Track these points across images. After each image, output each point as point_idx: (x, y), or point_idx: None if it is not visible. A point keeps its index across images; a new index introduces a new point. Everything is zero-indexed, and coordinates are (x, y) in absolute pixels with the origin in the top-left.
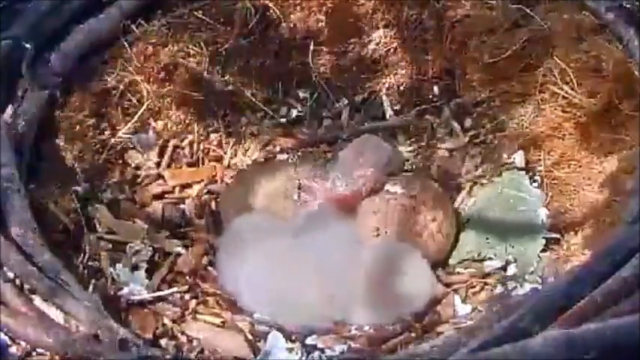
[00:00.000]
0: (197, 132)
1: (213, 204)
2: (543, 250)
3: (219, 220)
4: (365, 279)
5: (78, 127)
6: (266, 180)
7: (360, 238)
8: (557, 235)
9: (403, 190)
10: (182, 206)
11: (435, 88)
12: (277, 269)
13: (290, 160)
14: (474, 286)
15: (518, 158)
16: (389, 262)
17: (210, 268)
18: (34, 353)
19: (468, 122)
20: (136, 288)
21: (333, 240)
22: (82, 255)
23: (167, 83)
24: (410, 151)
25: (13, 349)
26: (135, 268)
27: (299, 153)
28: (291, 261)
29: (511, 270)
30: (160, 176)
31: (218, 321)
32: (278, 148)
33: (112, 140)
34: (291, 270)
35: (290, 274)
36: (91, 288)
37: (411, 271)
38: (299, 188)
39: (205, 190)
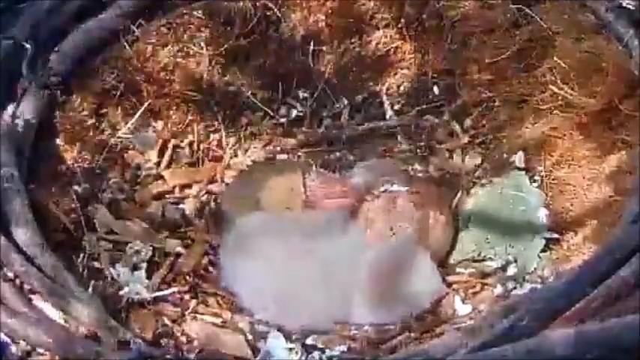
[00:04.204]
0: (197, 132)
1: (213, 204)
2: (543, 250)
3: (220, 220)
4: (371, 278)
5: (78, 127)
6: (271, 178)
7: (366, 238)
8: (557, 235)
9: (407, 188)
10: (182, 206)
11: (435, 88)
12: (280, 269)
13: (293, 160)
14: (474, 286)
15: (518, 158)
16: (396, 262)
17: (210, 268)
18: (34, 353)
19: (467, 122)
20: (136, 288)
21: (337, 240)
22: (82, 255)
23: (167, 83)
24: (410, 151)
25: (13, 349)
26: (135, 268)
27: (299, 153)
28: (294, 261)
29: (511, 270)
30: (160, 176)
31: (218, 321)
32: (278, 148)
33: (112, 140)
34: (294, 270)
35: (292, 274)
36: (91, 288)
37: (417, 270)
38: (304, 186)
39: (205, 190)
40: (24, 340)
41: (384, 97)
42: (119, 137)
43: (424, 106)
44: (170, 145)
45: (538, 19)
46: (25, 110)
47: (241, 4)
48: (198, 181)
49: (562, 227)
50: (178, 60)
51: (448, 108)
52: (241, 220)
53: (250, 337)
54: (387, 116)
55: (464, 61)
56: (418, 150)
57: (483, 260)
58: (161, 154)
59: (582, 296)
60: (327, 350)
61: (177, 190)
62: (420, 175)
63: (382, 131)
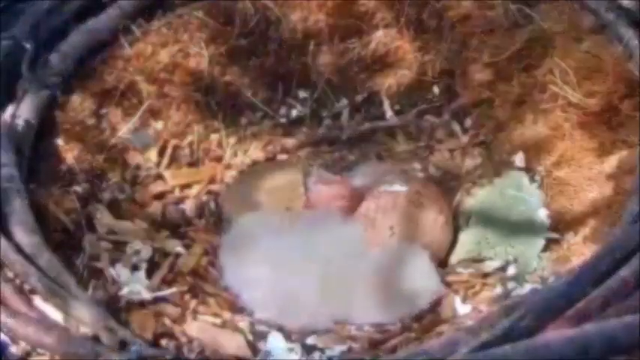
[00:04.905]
0: (197, 132)
1: (213, 204)
2: (543, 250)
3: (220, 220)
4: (370, 278)
5: (78, 127)
6: (271, 179)
7: (366, 238)
8: (557, 235)
9: (407, 188)
10: (182, 206)
11: (435, 88)
12: (280, 269)
13: (293, 160)
14: (474, 286)
15: (518, 158)
16: (394, 262)
17: (210, 268)
18: (34, 353)
19: (467, 122)
20: (136, 288)
21: (337, 240)
22: (82, 255)
23: (167, 83)
24: (410, 151)
25: (13, 349)
26: (135, 268)
27: (299, 153)
28: (294, 261)
29: (511, 270)
30: (159, 176)
31: (218, 321)
32: (278, 148)
33: (112, 140)
34: (294, 270)
35: (292, 274)
36: (91, 288)
37: (415, 271)
38: (305, 186)
39: (205, 190)
40: (24, 340)
41: (384, 97)
42: (119, 137)
43: (424, 106)
44: (170, 145)
45: (538, 19)
46: (25, 110)
47: (241, 4)
48: (199, 181)
49: (562, 227)
50: (178, 60)
51: (448, 108)
52: (241, 220)
53: (250, 337)
54: (387, 116)
55: (464, 61)
56: (418, 150)
57: (483, 260)
58: (161, 154)
59: (582, 296)
60: (327, 350)
61: (177, 190)
62: (420, 175)
63: (382, 131)
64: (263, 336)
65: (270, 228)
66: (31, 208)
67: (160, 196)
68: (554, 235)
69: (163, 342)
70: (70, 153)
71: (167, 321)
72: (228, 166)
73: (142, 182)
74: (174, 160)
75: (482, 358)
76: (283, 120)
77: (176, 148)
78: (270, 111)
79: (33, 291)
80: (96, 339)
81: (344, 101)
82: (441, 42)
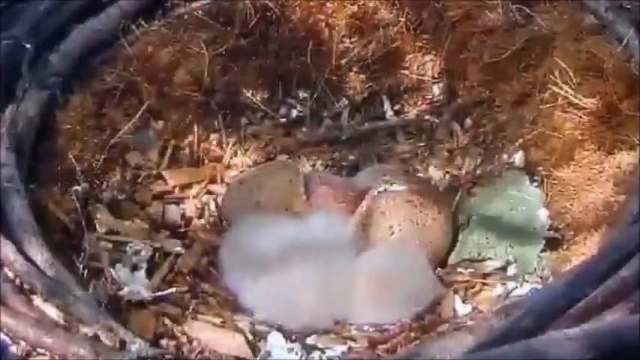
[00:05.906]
0: (197, 132)
1: (213, 204)
2: (543, 250)
3: (219, 220)
4: (368, 279)
5: (78, 127)
6: (271, 179)
7: (365, 238)
8: (557, 235)
9: (406, 187)
10: (182, 206)
11: (435, 88)
12: (280, 269)
13: (293, 160)
14: (474, 286)
15: (518, 158)
16: (394, 262)
17: (210, 268)
18: (34, 353)
19: (468, 122)
20: (136, 288)
21: (337, 240)
22: (82, 255)
23: (167, 83)
24: (410, 151)
25: (13, 349)
26: (135, 268)
27: (299, 153)
28: (294, 261)
29: (511, 270)
30: (159, 176)
31: (218, 321)
32: (278, 148)
33: (112, 140)
34: (294, 270)
35: (292, 275)
36: (91, 288)
37: (415, 271)
38: (304, 186)
39: (205, 190)
40: (24, 340)
41: (384, 97)
42: (119, 137)
43: (424, 106)
44: (170, 145)
45: (538, 19)
46: (25, 110)
47: (241, 4)
48: (199, 181)
49: (562, 227)
50: (178, 60)
51: (448, 108)
52: (241, 220)
53: (250, 337)
54: (387, 116)
55: (464, 61)
56: (418, 150)
57: (483, 260)
58: (161, 154)
59: (582, 296)
60: (327, 350)
61: (177, 190)
62: (420, 175)
63: (382, 131)
64: (263, 336)
65: (270, 228)
66: (31, 208)
67: (160, 196)
68: (554, 235)
69: (163, 342)
70: (70, 153)
71: (167, 321)
72: (228, 166)
73: (142, 182)
74: (174, 160)
75: (482, 358)
76: (283, 120)
77: (176, 148)
78: (270, 111)
79: (33, 291)
80: (96, 339)
81: (344, 101)
82: (441, 42)
